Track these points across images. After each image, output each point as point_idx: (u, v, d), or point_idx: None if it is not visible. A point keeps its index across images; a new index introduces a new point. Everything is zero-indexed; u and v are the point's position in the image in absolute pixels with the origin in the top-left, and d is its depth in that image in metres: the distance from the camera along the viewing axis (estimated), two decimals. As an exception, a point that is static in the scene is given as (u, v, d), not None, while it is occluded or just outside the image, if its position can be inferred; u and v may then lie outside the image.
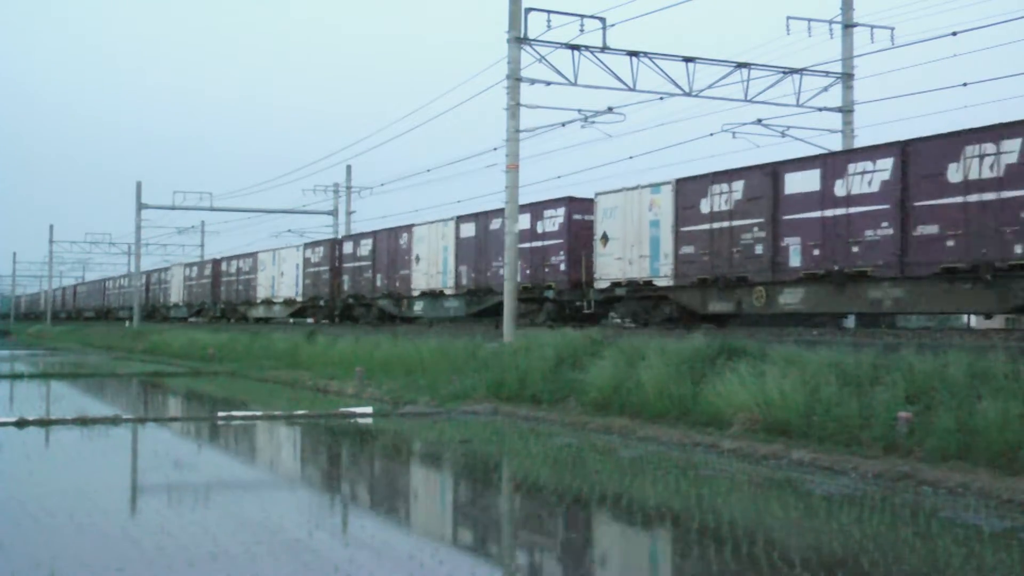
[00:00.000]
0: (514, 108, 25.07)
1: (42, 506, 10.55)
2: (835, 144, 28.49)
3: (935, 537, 9.23)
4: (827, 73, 28.38)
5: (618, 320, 27.53)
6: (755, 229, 22.52)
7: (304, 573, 8.09)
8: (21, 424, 17.66)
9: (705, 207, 23.72)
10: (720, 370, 16.33)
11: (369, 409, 20.27)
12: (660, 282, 24.94)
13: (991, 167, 17.63)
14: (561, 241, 28.78)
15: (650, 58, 26.04)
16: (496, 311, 29.62)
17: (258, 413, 19.91)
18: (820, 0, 32.38)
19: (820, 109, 28.72)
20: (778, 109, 28.27)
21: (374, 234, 40.54)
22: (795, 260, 21.54)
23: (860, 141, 28.13)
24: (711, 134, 28.62)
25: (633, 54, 25.86)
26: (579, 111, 27.56)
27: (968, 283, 18.26)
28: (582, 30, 25.30)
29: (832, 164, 21.02)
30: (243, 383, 29.77)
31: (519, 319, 26.50)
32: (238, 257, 55.27)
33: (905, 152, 19.32)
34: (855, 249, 20.14)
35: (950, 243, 18.32)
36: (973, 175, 17.87)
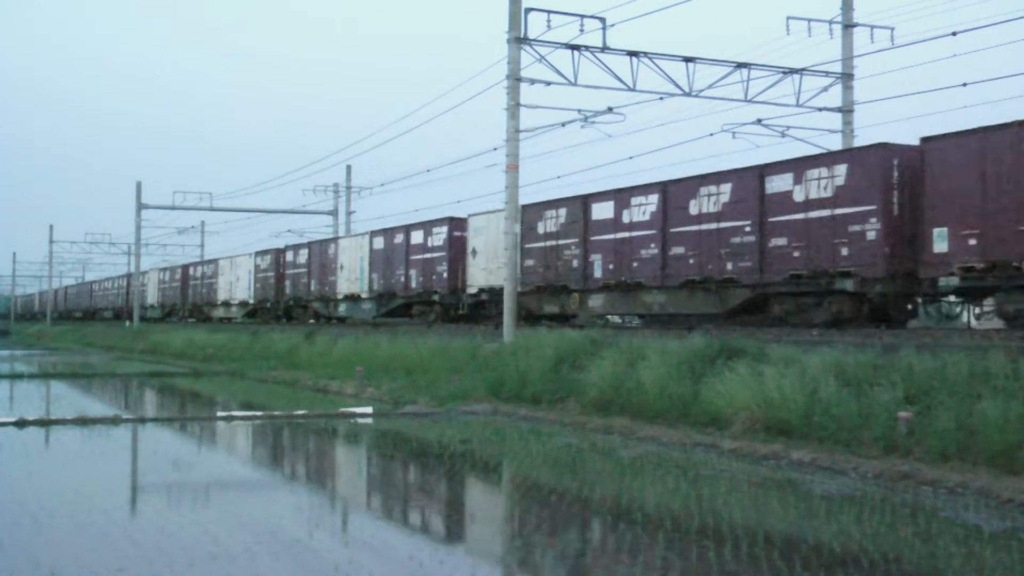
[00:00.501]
0: (514, 108, 25.06)
1: (42, 506, 10.55)
2: (835, 144, 28.52)
3: (935, 537, 9.24)
4: (827, 73, 28.38)
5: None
6: (573, 247, 28.51)
7: (304, 573, 8.09)
8: (21, 424, 17.66)
9: (540, 228, 29.80)
10: (720, 370, 16.33)
11: (369, 409, 20.28)
12: (532, 284, 30.26)
13: (714, 204, 23.83)
14: (444, 254, 34.60)
15: (650, 58, 26.04)
16: (398, 312, 37.93)
17: (258, 413, 19.92)
18: (820, 0, 32.38)
19: (820, 109, 28.71)
20: (778, 109, 28.28)
21: (309, 245, 46.94)
22: (598, 272, 27.52)
23: (860, 141, 28.14)
24: (711, 134, 28.64)
25: (633, 54, 25.85)
26: (579, 111, 27.57)
27: (701, 291, 24.15)
28: (582, 30, 25.30)
29: (622, 197, 26.89)
30: (243, 383, 29.78)
31: (415, 318, 34.01)
32: (203, 263, 62.44)
33: (665, 190, 25.43)
34: (635, 265, 26.12)
35: (691, 261, 24.36)
36: (705, 209, 24.13)
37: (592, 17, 25.28)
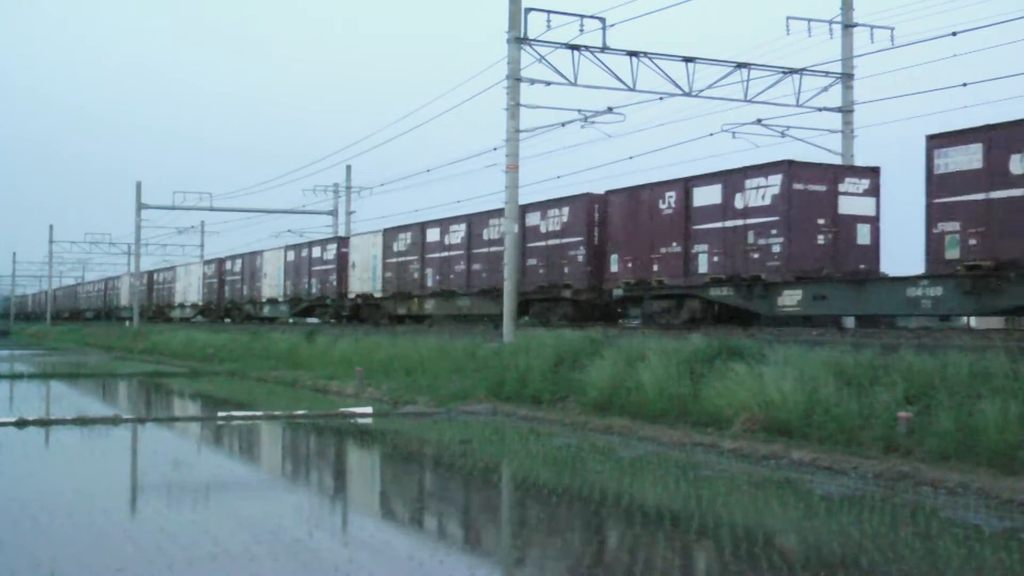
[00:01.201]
0: (514, 108, 25.06)
1: (42, 506, 10.55)
2: (835, 144, 28.53)
3: (935, 537, 9.24)
4: (827, 73, 28.38)
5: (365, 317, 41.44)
6: (415, 263, 37.06)
7: (304, 573, 8.09)
8: (21, 424, 17.66)
9: (395, 247, 38.72)
10: (720, 370, 16.33)
11: (369, 409, 20.28)
12: (377, 295, 40.15)
13: (496, 233, 31.09)
14: (333, 266, 43.74)
15: (650, 58, 26.04)
16: (304, 312, 47.95)
17: (258, 413, 19.91)
18: (820, 0, 32.38)
19: (820, 109, 28.71)
20: (778, 109, 28.29)
21: (243, 256, 55.49)
22: (431, 282, 36.11)
23: (860, 141, 28.21)
24: (711, 134, 28.64)
25: (633, 54, 25.85)
26: (579, 111, 27.57)
27: (490, 297, 31.59)
28: (582, 30, 25.30)
29: (443, 225, 35.59)
30: (243, 383, 29.78)
31: (316, 317, 42.58)
32: (163, 270, 71.96)
33: (469, 221, 33.92)
34: (451, 276, 34.72)
35: (484, 275, 32.73)
36: (491, 237, 32.24)
37: (592, 17, 25.29)
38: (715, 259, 23.89)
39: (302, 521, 10.10)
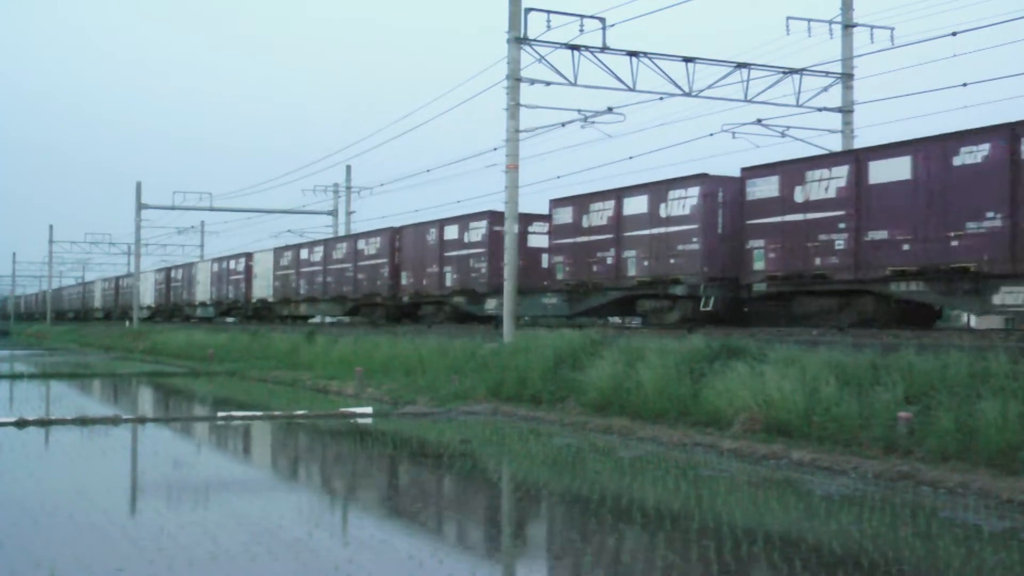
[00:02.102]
0: (514, 108, 25.06)
1: (42, 506, 10.55)
2: (835, 144, 28.52)
3: (935, 537, 9.24)
4: (827, 73, 28.38)
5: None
6: (293, 275, 46.84)
7: (304, 573, 8.09)
8: (21, 424, 17.66)
9: (281, 263, 48.66)
10: (720, 370, 16.33)
11: (369, 409, 20.27)
12: (270, 299, 50.10)
13: (344, 253, 41.79)
14: (243, 276, 54.05)
15: (650, 58, 26.03)
16: (223, 313, 58.48)
17: (258, 413, 19.91)
18: (820, 0, 32.38)
19: (820, 109, 28.71)
20: (778, 109, 28.29)
21: (183, 266, 67.25)
22: (303, 290, 45.51)
23: (859, 142, 28.15)
24: (711, 134, 28.63)
25: (633, 54, 25.85)
26: (579, 111, 27.56)
27: (337, 302, 42.20)
28: (582, 30, 25.30)
29: (312, 247, 45.39)
30: (243, 383, 29.78)
31: (232, 318, 53.15)
32: (127, 276, 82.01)
33: (326, 243, 43.03)
34: (314, 286, 44.45)
35: (332, 285, 42.46)
36: (335, 256, 41.95)
37: (592, 17, 25.29)
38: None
39: (302, 521, 10.09)
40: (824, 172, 21.13)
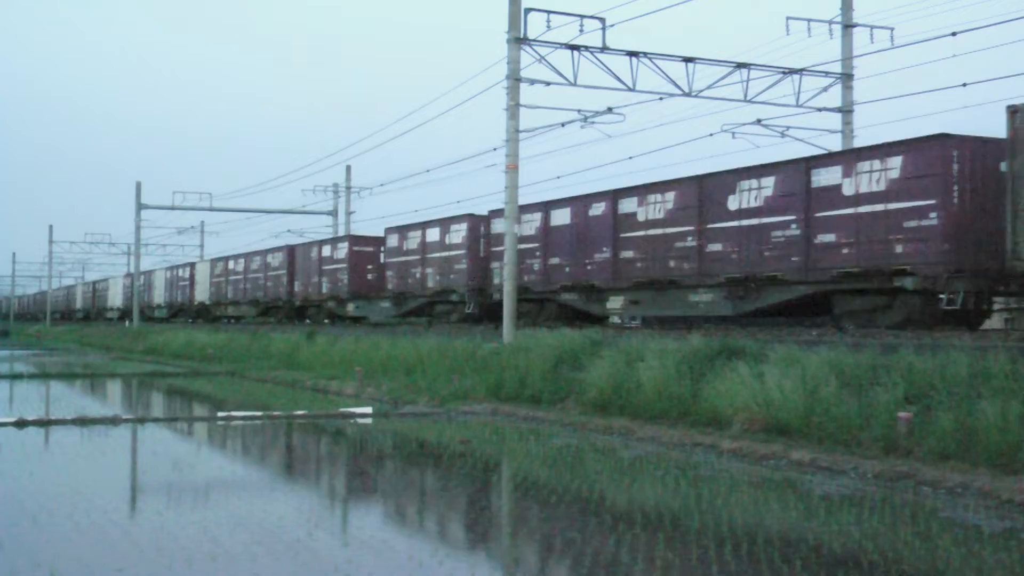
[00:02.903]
0: (514, 108, 25.05)
1: (42, 506, 10.55)
2: (835, 145, 28.52)
3: (935, 537, 9.23)
4: (827, 73, 28.38)
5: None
6: (223, 281, 56.64)
7: (304, 573, 8.09)
8: (21, 424, 17.66)
9: (215, 271, 58.56)
10: (720, 370, 16.33)
11: (369, 409, 20.27)
12: (207, 302, 59.51)
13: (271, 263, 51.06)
14: (188, 283, 63.54)
15: (650, 58, 26.03)
16: (175, 314, 67.05)
17: (258, 413, 19.90)
18: (820, 0, 32.38)
19: (820, 109, 28.72)
20: (778, 109, 28.30)
21: (145, 273, 73.32)
22: (230, 294, 55.44)
23: (859, 142, 28.14)
24: (711, 134, 28.66)
25: (633, 54, 25.85)
26: (579, 111, 27.56)
27: (253, 305, 52.17)
28: (582, 30, 25.29)
29: (235, 259, 54.31)
30: (243, 383, 29.77)
31: (181, 318, 62.91)
32: (99, 281, 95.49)
33: (247, 256, 53.37)
34: (239, 291, 53.95)
35: (250, 291, 52.59)
36: (253, 267, 52.54)
37: (592, 17, 25.28)
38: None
39: (302, 521, 10.09)
40: (528, 216, 29.65)
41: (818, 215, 20.76)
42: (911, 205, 19.00)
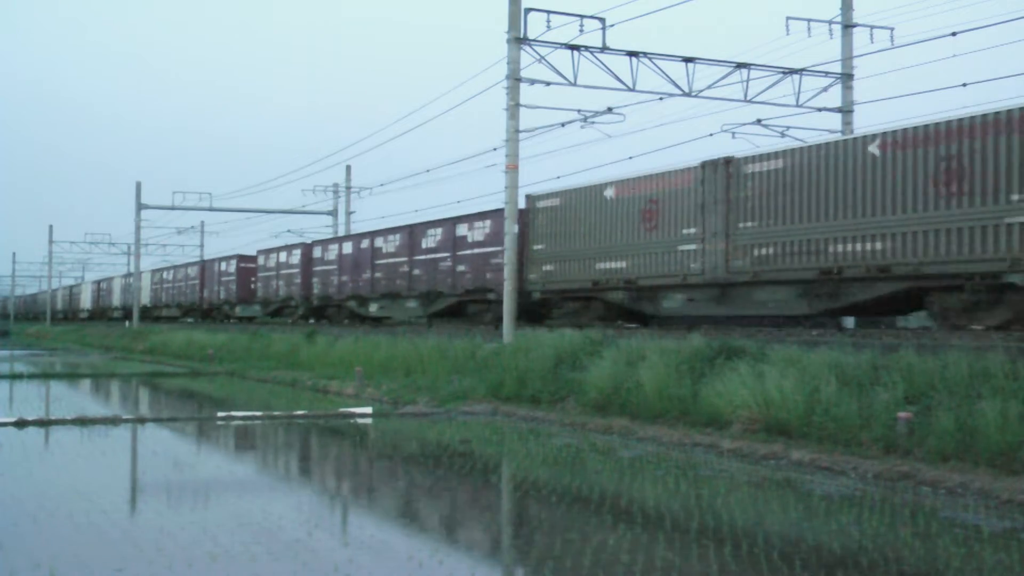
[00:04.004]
0: (514, 108, 25.06)
1: (41, 506, 10.55)
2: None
3: (935, 537, 9.24)
4: (827, 73, 28.39)
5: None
6: (160, 289, 71.62)
7: (304, 573, 8.08)
8: (20, 424, 17.66)
9: (154, 280, 72.79)
10: (720, 370, 16.32)
11: (369, 409, 20.27)
12: (148, 304, 71.93)
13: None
14: (139, 287, 71.41)
15: (650, 58, 26.03)
16: (128, 316, 72.95)
17: (258, 413, 19.90)
18: (820, 0, 32.38)
19: (820, 109, 28.73)
20: (778, 109, 28.31)
21: (107, 279, 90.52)
22: (164, 299, 70.22)
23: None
24: (711, 134, 28.68)
25: (633, 54, 25.85)
26: (579, 111, 27.58)
27: (180, 309, 67.67)
28: (582, 30, 25.30)
29: (166, 270, 71.23)
30: (242, 384, 29.77)
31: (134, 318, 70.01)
32: (74, 285, 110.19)
33: (175, 268, 69.80)
34: (172, 296, 68.71)
35: (175, 295, 68.97)
36: (175, 277, 69.93)
37: (592, 17, 25.29)
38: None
39: (302, 521, 10.09)
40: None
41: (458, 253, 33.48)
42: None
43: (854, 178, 19.93)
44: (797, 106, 27.99)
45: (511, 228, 25.58)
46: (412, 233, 37.10)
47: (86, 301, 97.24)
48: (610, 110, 27.38)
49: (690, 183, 23.97)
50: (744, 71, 26.87)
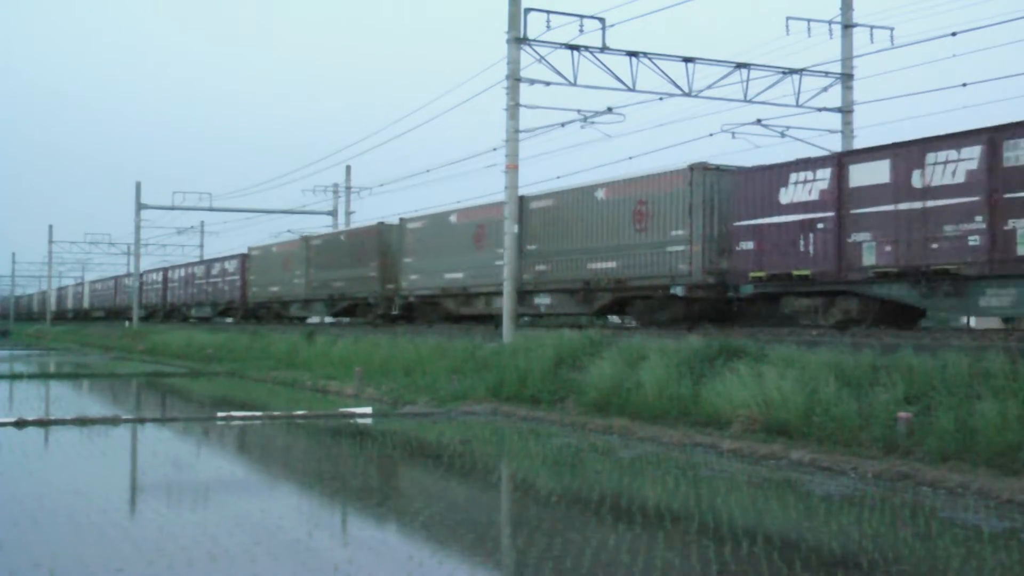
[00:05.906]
0: (514, 108, 25.05)
1: (41, 506, 10.55)
2: (835, 145, 28.52)
3: (935, 537, 9.24)
4: (827, 73, 28.37)
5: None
6: (119, 294, 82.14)
7: (304, 573, 8.08)
8: (20, 424, 17.66)
9: (125, 283, 79.40)
10: (720, 370, 16.32)
11: (368, 409, 20.27)
12: (115, 308, 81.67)
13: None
14: (112, 291, 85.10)
15: (649, 58, 26.02)
16: (101, 317, 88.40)
17: (258, 413, 19.91)
18: (820, 0, 32.37)
19: (820, 109, 28.70)
20: (778, 109, 28.28)
21: (78, 283, 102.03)
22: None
23: (859, 142, 28.16)
24: (711, 134, 28.65)
25: (632, 54, 25.84)
26: (579, 111, 27.56)
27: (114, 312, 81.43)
28: (581, 30, 25.29)
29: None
30: (242, 383, 29.77)
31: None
32: (63, 288, 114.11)
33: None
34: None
35: (100, 301, 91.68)
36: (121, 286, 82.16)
37: (592, 17, 25.28)
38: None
39: (302, 521, 10.09)
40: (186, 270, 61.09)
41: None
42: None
43: (589, 216, 26.74)
44: (797, 106, 27.97)
45: (511, 228, 25.58)
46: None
47: (68, 303, 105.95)
48: (610, 110, 27.37)
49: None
50: (744, 71, 26.85)
